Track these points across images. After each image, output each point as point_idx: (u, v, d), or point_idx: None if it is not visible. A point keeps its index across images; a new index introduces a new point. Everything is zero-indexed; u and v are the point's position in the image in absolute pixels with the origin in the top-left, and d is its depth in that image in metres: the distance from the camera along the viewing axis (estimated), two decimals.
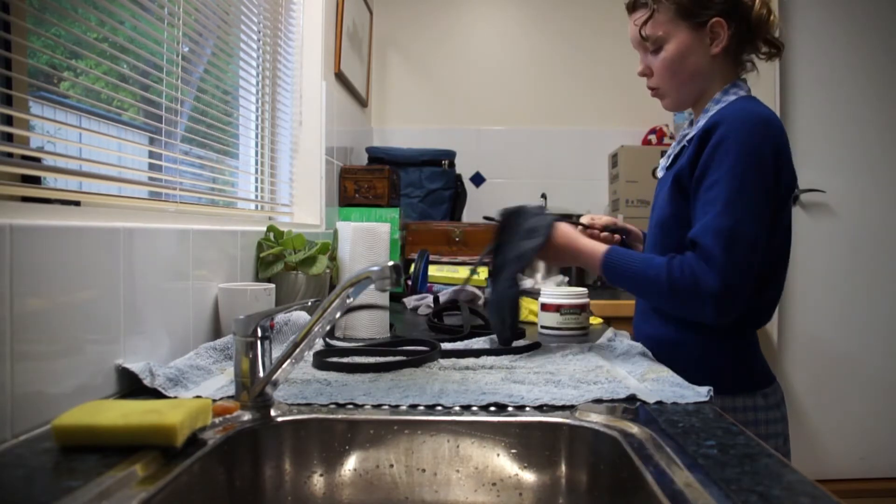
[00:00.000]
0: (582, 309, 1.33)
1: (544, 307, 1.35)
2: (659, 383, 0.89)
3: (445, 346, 1.14)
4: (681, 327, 1.13)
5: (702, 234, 1.01)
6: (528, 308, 1.58)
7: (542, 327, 1.35)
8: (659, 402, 0.80)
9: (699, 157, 1.06)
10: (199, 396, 0.81)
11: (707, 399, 0.81)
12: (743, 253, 0.99)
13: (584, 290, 1.37)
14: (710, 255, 0.99)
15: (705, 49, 1.12)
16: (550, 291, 1.36)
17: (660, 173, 1.27)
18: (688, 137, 1.14)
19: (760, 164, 1.02)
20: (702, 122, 1.12)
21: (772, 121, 1.05)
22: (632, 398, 0.81)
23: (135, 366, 0.82)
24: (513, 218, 1.16)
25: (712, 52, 1.12)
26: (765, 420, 1.09)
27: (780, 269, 1.13)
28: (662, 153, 2.58)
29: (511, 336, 1.15)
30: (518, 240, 1.13)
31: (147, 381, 0.81)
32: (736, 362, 1.11)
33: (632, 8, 1.18)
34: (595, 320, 1.49)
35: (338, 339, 1.23)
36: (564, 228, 1.14)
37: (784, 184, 1.06)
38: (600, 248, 1.11)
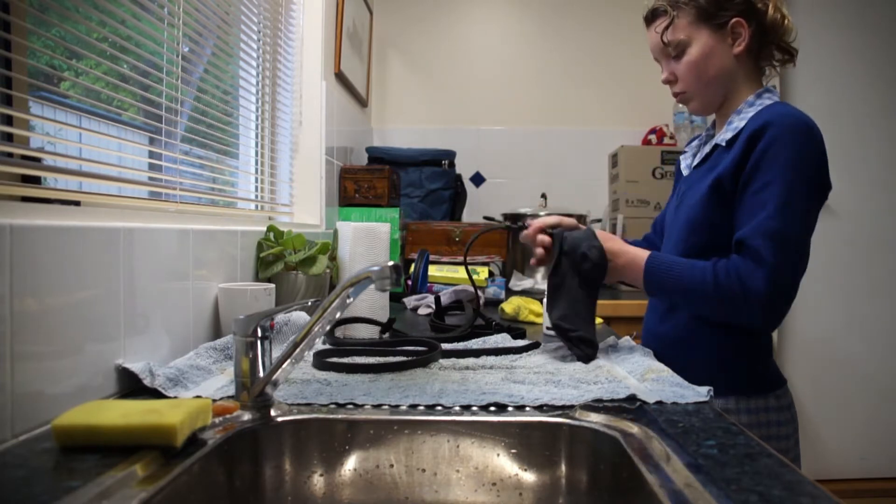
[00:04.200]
0: None
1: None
2: (659, 383, 0.89)
3: (445, 346, 1.14)
4: (697, 327, 1.12)
5: (751, 235, 1.00)
6: (529, 308, 1.58)
7: (547, 328, 1.36)
8: (659, 402, 0.80)
9: (746, 156, 1.05)
10: (199, 396, 0.81)
11: (707, 399, 0.81)
12: (793, 256, 0.99)
13: None
14: (760, 258, 0.98)
15: (728, 50, 1.13)
16: None
17: (685, 171, 1.26)
18: (725, 139, 1.12)
19: (810, 170, 1.02)
20: (735, 122, 1.12)
21: (816, 128, 1.06)
22: (632, 398, 0.81)
23: (135, 366, 0.82)
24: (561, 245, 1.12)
25: (735, 52, 1.12)
26: (776, 421, 1.09)
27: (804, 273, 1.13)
28: (663, 153, 2.60)
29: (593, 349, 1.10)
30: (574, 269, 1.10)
31: (147, 381, 0.81)
32: (752, 363, 1.11)
33: (651, 18, 1.19)
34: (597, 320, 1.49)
35: (337, 339, 1.23)
36: (609, 245, 1.11)
37: (825, 191, 1.07)
38: (642, 253, 1.09)
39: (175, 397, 0.80)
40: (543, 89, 2.99)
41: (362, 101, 2.67)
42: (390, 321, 1.29)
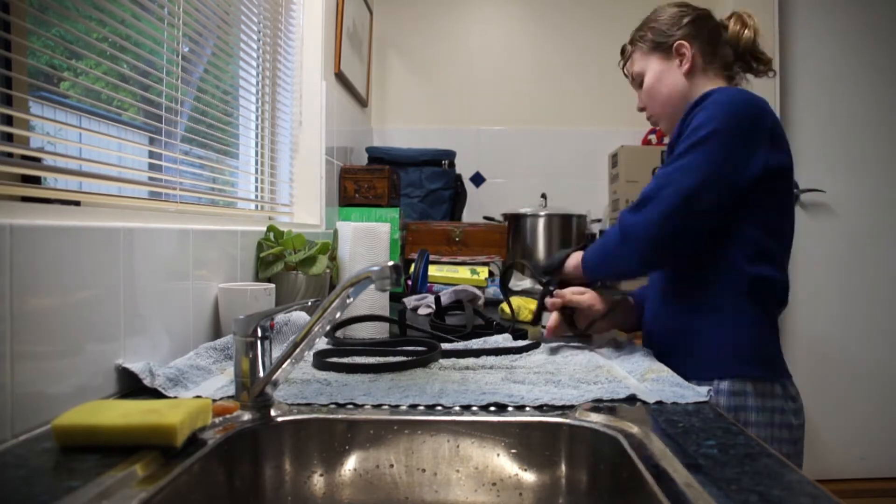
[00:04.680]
0: None
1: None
2: (659, 383, 0.89)
3: (445, 346, 1.14)
4: (700, 315, 1.13)
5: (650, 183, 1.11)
6: (529, 308, 1.58)
7: (543, 328, 1.36)
8: (659, 402, 0.80)
9: (679, 135, 1.13)
10: (199, 396, 0.81)
11: (707, 399, 0.81)
12: (674, 201, 1.06)
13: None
14: (643, 197, 1.10)
15: (676, 70, 1.24)
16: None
17: None
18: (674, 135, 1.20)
19: (732, 134, 1.07)
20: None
21: (753, 96, 1.11)
22: (632, 398, 0.81)
23: (135, 366, 0.82)
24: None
25: (683, 71, 1.23)
26: (782, 408, 1.09)
27: (780, 247, 1.14)
28: (663, 153, 2.59)
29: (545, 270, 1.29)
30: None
31: (147, 381, 0.81)
32: (758, 344, 1.11)
33: (622, 54, 1.35)
34: None
35: (338, 339, 1.23)
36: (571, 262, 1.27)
37: (774, 162, 1.08)
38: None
39: (175, 397, 0.80)
40: (543, 89, 2.99)
41: (362, 101, 2.67)
42: (401, 314, 1.29)
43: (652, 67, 1.27)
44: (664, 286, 1.20)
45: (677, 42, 1.23)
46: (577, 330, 1.25)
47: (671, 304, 1.18)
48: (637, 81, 1.30)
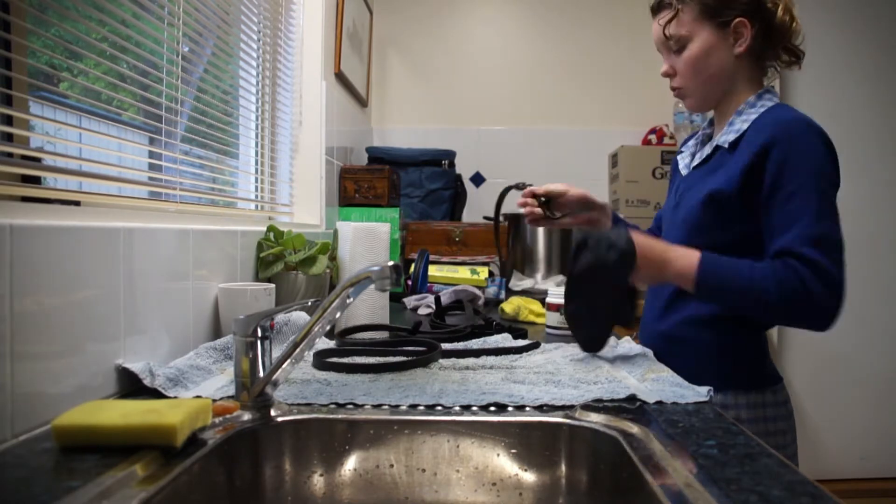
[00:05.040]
0: None
1: (549, 307, 1.37)
2: (659, 383, 0.89)
3: (445, 346, 1.13)
4: (697, 325, 1.12)
5: (798, 244, 0.99)
6: (529, 308, 1.58)
7: (548, 326, 1.37)
8: (659, 402, 0.80)
9: (761, 169, 1.04)
10: (199, 396, 0.81)
11: (707, 399, 0.81)
12: (839, 258, 1.00)
13: None
14: (814, 264, 0.97)
15: (729, 49, 1.12)
16: (553, 291, 1.36)
17: (683, 170, 1.25)
18: (728, 140, 1.12)
19: (829, 173, 1.03)
20: (737, 124, 1.11)
21: (822, 129, 1.06)
22: (632, 398, 0.81)
23: (135, 366, 0.82)
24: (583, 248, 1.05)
25: (736, 52, 1.12)
26: (773, 416, 1.09)
27: None
28: (663, 153, 2.60)
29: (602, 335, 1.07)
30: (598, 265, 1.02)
31: (147, 381, 0.81)
32: (751, 359, 1.12)
33: (657, 8, 1.18)
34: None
35: (342, 339, 1.23)
36: (643, 239, 1.04)
37: (839, 183, 1.07)
38: (693, 253, 1.03)
39: (175, 397, 0.80)
40: (543, 89, 2.99)
41: (362, 101, 2.67)
42: (416, 325, 1.29)
43: (702, 37, 1.12)
44: (669, 296, 1.19)
45: (739, 19, 1.10)
46: (555, 217, 1.26)
47: (665, 311, 1.18)
48: (676, 45, 1.15)
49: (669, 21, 1.14)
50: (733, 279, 1.01)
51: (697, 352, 1.11)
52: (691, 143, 1.29)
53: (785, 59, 1.16)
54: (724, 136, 1.13)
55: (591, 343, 1.08)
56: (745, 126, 1.09)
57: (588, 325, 1.07)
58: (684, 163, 1.26)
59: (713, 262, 1.02)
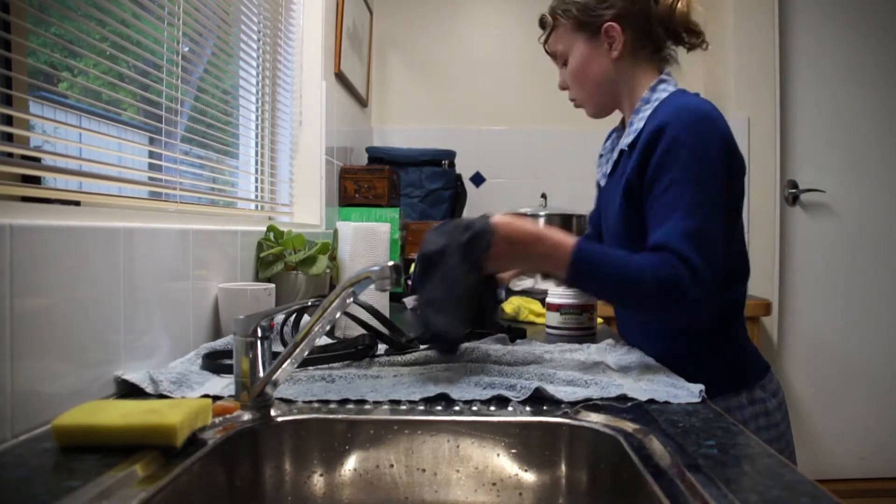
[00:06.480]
0: (583, 309, 1.33)
1: (548, 307, 1.37)
2: (653, 383, 0.89)
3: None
4: (667, 338, 1.11)
5: (671, 237, 0.96)
6: (529, 308, 1.58)
7: (548, 326, 1.37)
8: (652, 401, 0.80)
9: (647, 160, 1.03)
10: (206, 395, 0.81)
11: (700, 399, 0.81)
12: (714, 252, 0.97)
13: None
14: (687, 260, 0.94)
15: (605, 55, 1.13)
16: (553, 291, 1.36)
17: (601, 181, 1.24)
18: (627, 143, 1.10)
19: (713, 161, 1.00)
20: (635, 123, 1.10)
21: (713, 113, 1.03)
22: (623, 398, 0.81)
23: (134, 376, 0.82)
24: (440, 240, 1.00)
25: (613, 57, 1.12)
26: (764, 411, 1.09)
27: (745, 253, 1.12)
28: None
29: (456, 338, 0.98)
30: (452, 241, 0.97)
31: (150, 390, 0.81)
32: (730, 361, 1.11)
33: (541, 26, 1.22)
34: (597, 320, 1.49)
35: (337, 338, 1.23)
36: (510, 219, 0.96)
37: (735, 172, 1.05)
38: (569, 238, 0.96)
39: (182, 398, 0.80)
40: (543, 89, 2.99)
41: (362, 101, 2.67)
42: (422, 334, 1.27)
43: (578, 49, 1.14)
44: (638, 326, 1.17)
45: (607, 24, 1.11)
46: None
47: (653, 328, 1.16)
48: (561, 59, 1.18)
49: (547, 38, 1.19)
50: (609, 267, 0.95)
51: (677, 364, 1.02)
52: (608, 144, 1.27)
53: (686, 39, 1.14)
54: (625, 139, 1.12)
55: (441, 342, 0.96)
56: (642, 124, 1.08)
57: (437, 319, 0.94)
58: (602, 172, 1.24)
59: (590, 247, 0.96)
